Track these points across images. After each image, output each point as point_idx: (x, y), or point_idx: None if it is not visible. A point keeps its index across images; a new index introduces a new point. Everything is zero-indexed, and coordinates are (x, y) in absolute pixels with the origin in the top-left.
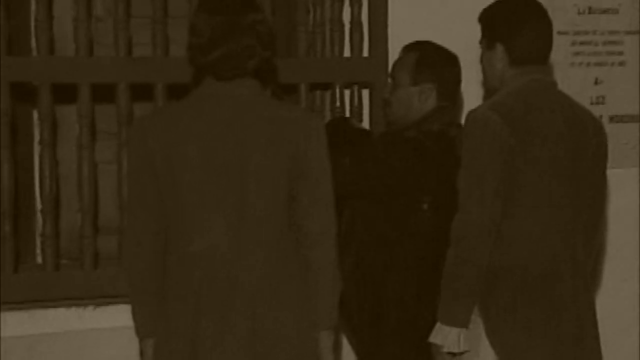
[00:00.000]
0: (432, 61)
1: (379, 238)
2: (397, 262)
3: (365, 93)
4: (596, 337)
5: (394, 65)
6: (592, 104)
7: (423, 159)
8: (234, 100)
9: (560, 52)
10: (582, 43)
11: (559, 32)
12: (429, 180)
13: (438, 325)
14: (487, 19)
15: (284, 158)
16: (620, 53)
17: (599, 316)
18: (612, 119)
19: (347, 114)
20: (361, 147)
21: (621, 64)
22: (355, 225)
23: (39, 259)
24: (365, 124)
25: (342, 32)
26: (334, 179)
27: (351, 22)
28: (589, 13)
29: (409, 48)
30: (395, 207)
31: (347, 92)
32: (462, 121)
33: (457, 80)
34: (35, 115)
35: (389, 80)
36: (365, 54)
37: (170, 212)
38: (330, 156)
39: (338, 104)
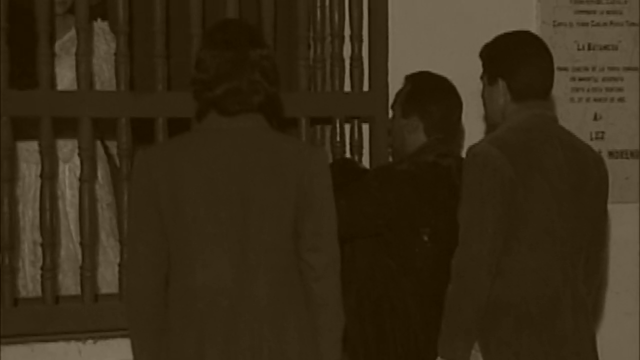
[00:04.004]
0: (420, 94)
1: (381, 271)
2: (400, 295)
3: (366, 127)
4: None
5: (395, 95)
6: (591, 139)
7: (417, 190)
8: (239, 134)
9: (559, 87)
10: (581, 79)
11: (559, 68)
12: (426, 211)
13: (438, 359)
14: (488, 54)
15: (288, 191)
16: (620, 89)
17: (601, 350)
18: (611, 154)
19: (348, 149)
20: (355, 186)
21: (620, 99)
22: (356, 262)
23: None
24: (366, 158)
25: (343, 67)
26: None
27: (351, 57)
28: (589, 49)
29: (407, 79)
30: (396, 241)
31: (347, 127)
32: (463, 155)
33: (448, 114)
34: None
35: (391, 110)
36: (366, 88)
37: (172, 245)
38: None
39: (338, 138)
